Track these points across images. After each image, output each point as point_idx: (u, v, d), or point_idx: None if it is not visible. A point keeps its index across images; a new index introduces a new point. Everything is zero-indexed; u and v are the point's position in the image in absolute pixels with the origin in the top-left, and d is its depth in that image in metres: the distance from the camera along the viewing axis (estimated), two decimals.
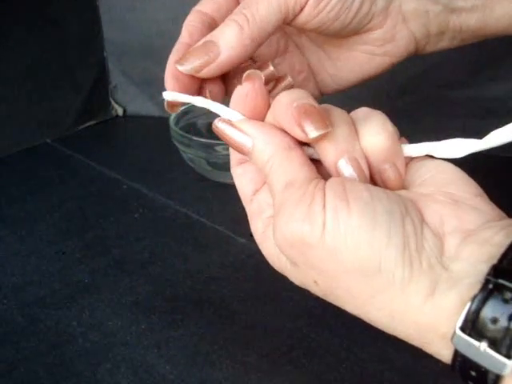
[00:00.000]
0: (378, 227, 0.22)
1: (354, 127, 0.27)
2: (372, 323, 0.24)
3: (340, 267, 0.23)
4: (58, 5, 0.62)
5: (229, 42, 0.28)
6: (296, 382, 0.33)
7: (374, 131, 0.27)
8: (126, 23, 0.66)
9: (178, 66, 0.29)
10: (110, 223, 0.48)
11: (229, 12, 0.30)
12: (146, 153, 0.62)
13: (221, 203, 0.51)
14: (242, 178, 0.30)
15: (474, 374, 0.21)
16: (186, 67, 0.29)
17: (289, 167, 0.25)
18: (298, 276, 0.26)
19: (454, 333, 0.21)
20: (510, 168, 0.57)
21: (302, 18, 0.30)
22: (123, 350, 0.35)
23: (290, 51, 0.36)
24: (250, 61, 0.33)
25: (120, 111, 0.71)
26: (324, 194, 0.24)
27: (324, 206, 0.23)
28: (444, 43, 0.35)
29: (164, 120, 0.55)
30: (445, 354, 0.22)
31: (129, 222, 0.48)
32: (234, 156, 0.30)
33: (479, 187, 0.26)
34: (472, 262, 0.22)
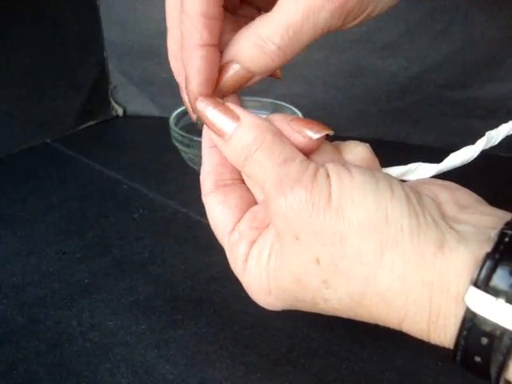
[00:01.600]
0: (380, 182, 0.23)
1: (336, 147, 0.28)
2: (380, 310, 0.23)
3: (348, 226, 0.22)
4: (57, 5, 0.62)
5: (262, 70, 0.27)
6: (296, 382, 0.33)
7: (354, 147, 0.28)
8: (126, 23, 0.66)
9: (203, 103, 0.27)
10: (110, 223, 0.48)
11: None
12: (145, 153, 0.62)
13: None
14: (223, 207, 0.28)
15: (485, 341, 0.20)
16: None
17: (285, 146, 0.25)
18: (298, 260, 0.24)
19: (467, 289, 0.20)
20: (510, 168, 0.57)
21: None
22: (123, 350, 0.35)
23: None
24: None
25: (120, 111, 0.71)
26: (326, 168, 0.24)
27: (328, 174, 0.24)
28: None
29: (164, 120, 0.55)
30: (453, 325, 0.21)
31: (129, 222, 0.48)
32: (209, 181, 0.29)
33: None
34: (477, 226, 0.22)
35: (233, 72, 0.27)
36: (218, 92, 0.28)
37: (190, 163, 0.54)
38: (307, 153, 0.27)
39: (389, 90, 0.60)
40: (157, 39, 0.65)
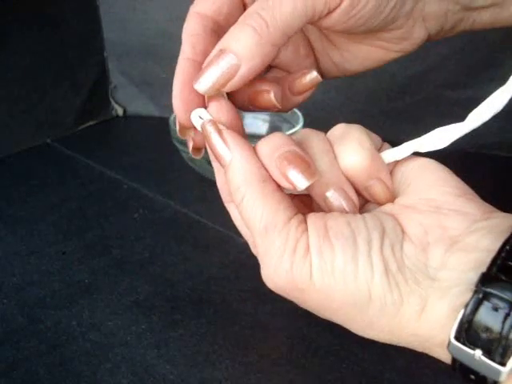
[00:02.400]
0: (360, 260, 0.23)
1: (332, 153, 0.27)
2: (377, 340, 0.25)
3: (334, 305, 0.24)
4: (57, 5, 0.62)
5: (248, 53, 0.25)
6: (296, 382, 0.33)
7: (351, 151, 0.27)
8: (126, 23, 0.66)
9: (196, 87, 0.26)
10: (110, 223, 0.48)
11: (232, 12, 0.28)
12: (146, 153, 0.62)
13: (221, 203, 0.51)
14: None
15: (473, 377, 0.22)
16: (205, 87, 0.26)
17: (266, 206, 0.24)
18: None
19: (450, 342, 0.21)
20: (510, 168, 0.57)
21: (330, 21, 0.27)
22: (123, 350, 0.35)
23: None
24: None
25: (120, 111, 0.71)
26: (307, 236, 0.24)
27: (308, 248, 0.24)
28: (452, 34, 0.34)
29: (164, 120, 0.55)
30: (446, 359, 0.23)
31: (129, 222, 0.48)
32: (226, 191, 0.28)
33: (461, 183, 0.26)
34: (460, 270, 0.23)
35: (217, 61, 0.25)
36: (212, 92, 0.26)
37: (189, 163, 0.54)
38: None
39: (389, 90, 0.60)
40: (157, 39, 0.66)
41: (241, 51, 0.25)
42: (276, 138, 0.26)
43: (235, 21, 0.27)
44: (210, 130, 0.26)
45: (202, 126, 0.26)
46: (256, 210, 0.25)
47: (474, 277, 0.22)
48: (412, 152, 0.28)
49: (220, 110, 0.27)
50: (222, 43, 0.26)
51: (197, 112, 0.27)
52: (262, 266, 0.25)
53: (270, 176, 0.25)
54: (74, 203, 0.52)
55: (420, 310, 0.23)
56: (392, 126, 0.61)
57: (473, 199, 0.25)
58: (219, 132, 0.26)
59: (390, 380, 0.33)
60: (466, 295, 0.21)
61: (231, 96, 0.28)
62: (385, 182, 0.27)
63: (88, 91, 0.67)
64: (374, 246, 0.24)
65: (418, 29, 0.32)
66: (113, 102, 0.71)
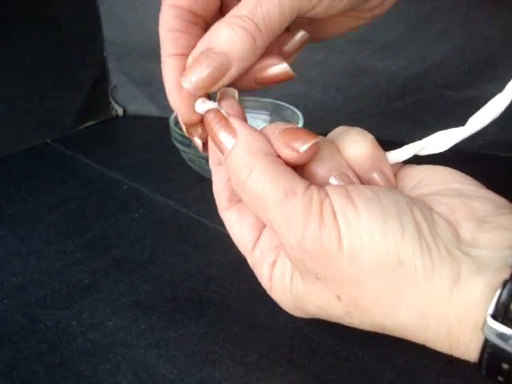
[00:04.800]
0: (388, 219, 0.22)
1: (335, 145, 0.27)
2: (403, 331, 0.24)
3: (362, 270, 0.22)
4: (57, 5, 0.62)
5: (243, 55, 0.25)
6: (296, 382, 0.33)
7: (354, 141, 0.27)
8: (126, 23, 0.65)
9: (183, 85, 0.26)
10: (110, 223, 0.48)
11: (208, 1, 0.27)
12: (146, 153, 0.62)
13: None
14: (240, 225, 0.28)
15: (506, 366, 0.20)
16: (193, 85, 0.26)
17: (281, 175, 0.24)
18: (320, 296, 0.25)
19: (485, 321, 0.20)
20: (510, 168, 0.57)
21: (314, 13, 0.27)
22: (123, 350, 0.35)
23: None
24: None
25: (120, 111, 0.71)
26: (330, 199, 0.23)
27: (333, 211, 0.23)
28: None
29: (164, 120, 0.55)
30: (474, 350, 0.21)
31: (129, 222, 0.48)
32: (223, 197, 0.28)
33: (476, 181, 0.26)
34: (494, 248, 0.22)
35: (208, 60, 0.25)
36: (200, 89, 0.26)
37: (189, 163, 0.54)
38: (302, 163, 0.26)
39: (389, 90, 0.60)
40: (157, 39, 0.65)
41: (234, 53, 0.25)
42: (275, 123, 0.26)
43: (212, 10, 0.27)
44: (215, 116, 0.26)
45: (206, 114, 0.26)
46: (270, 180, 0.24)
47: (509, 255, 0.21)
48: (414, 154, 0.28)
49: (229, 106, 0.26)
50: (210, 41, 0.25)
51: (202, 101, 0.27)
52: (284, 237, 0.24)
53: (276, 152, 0.25)
54: (74, 203, 0.52)
55: (453, 282, 0.21)
56: (392, 126, 0.61)
57: (494, 193, 0.25)
58: (224, 119, 0.25)
59: (390, 380, 0.33)
60: (503, 273, 0.20)
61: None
62: (387, 174, 0.27)
63: (88, 91, 0.67)
64: (402, 207, 0.22)
65: None
66: (113, 102, 0.71)
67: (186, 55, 0.27)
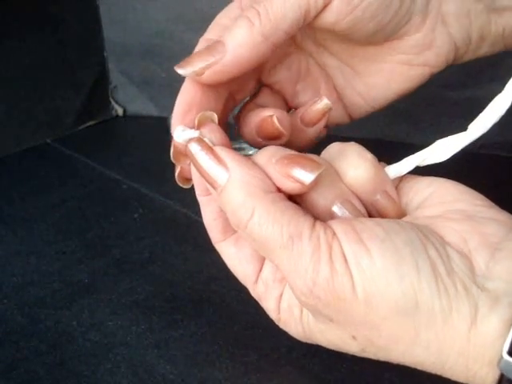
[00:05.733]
0: (403, 262, 0.21)
1: (333, 169, 0.25)
2: (419, 366, 0.23)
3: (378, 315, 0.21)
4: (57, 5, 0.62)
5: (236, 39, 0.24)
6: (296, 382, 0.33)
7: (354, 164, 0.25)
8: (126, 23, 0.66)
9: (177, 69, 0.25)
10: (110, 223, 0.48)
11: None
12: (146, 153, 0.62)
13: None
14: (239, 258, 0.26)
15: None
16: (187, 70, 0.25)
17: (284, 216, 0.22)
18: (334, 334, 0.24)
19: (501, 357, 0.20)
20: (510, 168, 0.57)
21: (330, 16, 0.25)
22: (123, 350, 0.35)
23: (312, 73, 0.31)
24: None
25: (120, 111, 0.71)
26: (339, 241, 0.22)
27: (343, 255, 0.21)
28: (484, 50, 0.31)
29: (164, 120, 0.55)
30: (491, 383, 0.21)
31: (129, 222, 0.48)
32: (216, 229, 0.27)
33: (485, 198, 0.25)
34: (507, 280, 0.21)
35: (208, 47, 0.25)
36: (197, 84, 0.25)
37: None
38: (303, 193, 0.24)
39: None
40: (157, 39, 0.65)
41: (229, 39, 0.24)
42: (270, 148, 0.25)
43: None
44: (195, 149, 0.24)
45: (189, 145, 0.24)
46: (273, 223, 0.22)
47: None
48: (415, 166, 0.27)
49: (211, 131, 0.25)
50: (218, 35, 0.25)
51: (181, 129, 0.25)
52: (293, 283, 0.22)
53: (275, 186, 0.23)
54: (74, 203, 0.51)
55: (471, 322, 0.21)
56: (392, 126, 0.61)
57: (503, 211, 0.24)
58: (210, 149, 0.24)
59: (390, 380, 0.32)
60: None
61: (240, 129, 0.27)
62: (391, 195, 0.26)
63: (88, 91, 0.67)
64: (416, 246, 0.21)
65: (440, 35, 0.29)
66: (113, 102, 0.71)
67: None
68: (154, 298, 0.39)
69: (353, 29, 0.26)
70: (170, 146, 0.53)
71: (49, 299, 0.39)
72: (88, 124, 0.68)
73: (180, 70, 0.25)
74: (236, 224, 0.23)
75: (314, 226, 0.22)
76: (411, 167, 0.27)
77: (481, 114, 0.26)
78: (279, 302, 0.26)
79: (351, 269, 0.21)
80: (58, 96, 0.64)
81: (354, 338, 0.23)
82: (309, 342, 0.27)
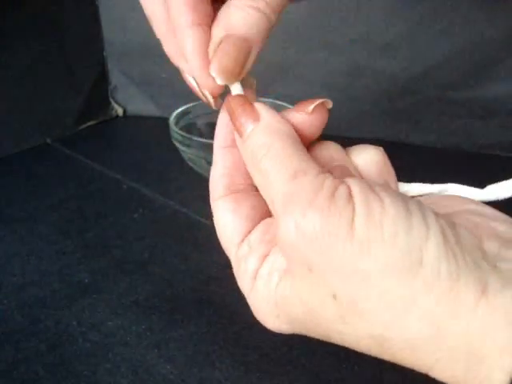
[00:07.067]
0: (414, 217, 0.19)
1: (344, 151, 0.26)
2: (404, 350, 0.21)
3: (375, 265, 0.19)
4: (57, 5, 0.62)
5: (260, 36, 0.25)
6: (296, 382, 0.33)
7: (364, 147, 0.26)
8: (126, 23, 0.66)
9: (214, 75, 0.25)
10: (110, 223, 0.48)
11: None
12: (146, 153, 0.62)
13: None
14: (233, 215, 0.25)
15: None
16: (224, 75, 0.25)
17: (297, 155, 0.22)
18: (311, 292, 0.21)
19: None
20: (510, 168, 0.57)
21: None
22: (123, 350, 0.35)
23: None
24: None
25: (120, 111, 0.71)
26: (348, 186, 0.20)
27: (351, 195, 0.20)
28: None
29: (164, 120, 0.55)
30: (497, 382, 0.18)
31: (129, 222, 0.48)
32: (221, 183, 0.26)
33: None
34: None
35: (231, 48, 0.25)
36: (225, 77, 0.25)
37: (189, 163, 0.54)
38: (312, 137, 0.25)
39: (389, 91, 0.60)
40: (157, 39, 0.65)
41: (252, 36, 0.25)
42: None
43: None
44: (240, 98, 0.25)
45: (230, 95, 0.25)
46: (283, 158, 0.22)
47: None
48: (422, 194, 0.26)
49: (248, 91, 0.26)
50: (226, 27, 0.25)
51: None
52: (281, 217, 0.21)
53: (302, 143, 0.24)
54: (74, 203, 0.52)
55: (479, 294, 0.18)
56: (392, 126, 0.61)
57: None
58: (249, 101, 0.25)
59: (390, 380, 0.33)
60: None
61: None
62: (393, 189, 0.25)
63: (88, 91, 0.68)
64: (426, 211, 0.20)
65: None
66: (113, 102, 0.71)
67: (208, 26, 0.26)
68: (154, 298, 0.39)
69: None
70: (169, 146, 0.53)
71: (49, 299, 0.39)
72: (88, 124, 0.68)
73: (218, 75, 0.25)
74: (252, 164, 0.24)
75: (323, 172, 0.21)
76: (418, 193, 0.26)
77: (504, 182, 0.26)
78: (261, 264, 0.24)
79: (356, 206, 0.19)
80: (57, 96, 0.64)
81: (334, 297, 0.20)
82: (276, 322, 0.24)
